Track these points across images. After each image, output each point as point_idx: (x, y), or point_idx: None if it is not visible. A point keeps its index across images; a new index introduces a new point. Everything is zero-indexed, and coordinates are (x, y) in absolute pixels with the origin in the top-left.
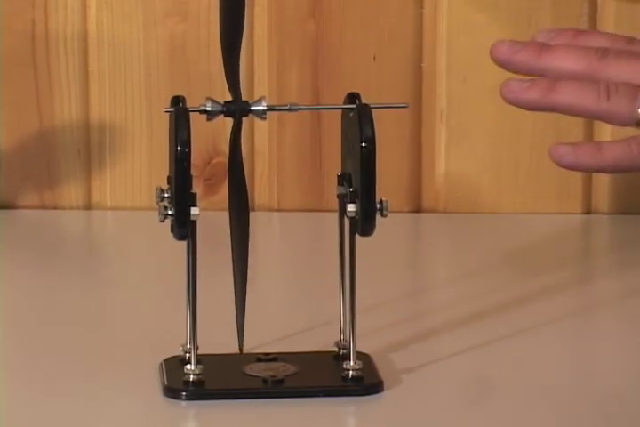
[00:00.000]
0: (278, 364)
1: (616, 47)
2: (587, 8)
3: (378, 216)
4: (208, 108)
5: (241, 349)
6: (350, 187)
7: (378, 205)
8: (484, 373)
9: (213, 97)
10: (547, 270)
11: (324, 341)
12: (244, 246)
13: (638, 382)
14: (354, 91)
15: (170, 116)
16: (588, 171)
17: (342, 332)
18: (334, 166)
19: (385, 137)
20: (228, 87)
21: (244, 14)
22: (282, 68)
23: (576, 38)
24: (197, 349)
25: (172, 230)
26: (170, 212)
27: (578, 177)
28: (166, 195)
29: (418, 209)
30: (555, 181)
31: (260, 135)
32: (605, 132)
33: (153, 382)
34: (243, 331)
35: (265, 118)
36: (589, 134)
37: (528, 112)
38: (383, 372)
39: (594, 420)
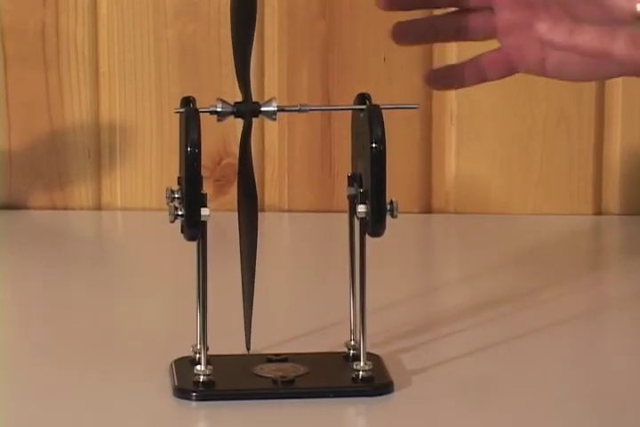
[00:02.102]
0: (288, 364)
1: None
2: None
3: (388, 217)
4: (218, 109)
5: (248, 348)
6: (360, 187)
7: (388, 206)
8: (494, 373)
9: (224, 98)
10: (557, 271)
11: (333, 341)
12: (252, 246)
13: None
14: (364, 91)
15: (180, 117)
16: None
17: (352, 332)
18: (344, 167)
19: (395, 138)
20: (240, 88)
21: (255, 16)
22: (292, 68)
23: None
24: (207, 349)
25: (182, 231)
26: (180, 212)
27: (588, 178)
28: (177, 195)
29: (428, 210)
30: (565, 183)
31: (271, 136)
32: (615, 131)
33: (163, 382)
34: (250, 330)
35: (275, 119)
36: (599, 134)
37: (539, 113)
38: (393, 372)
39: (603, 419)
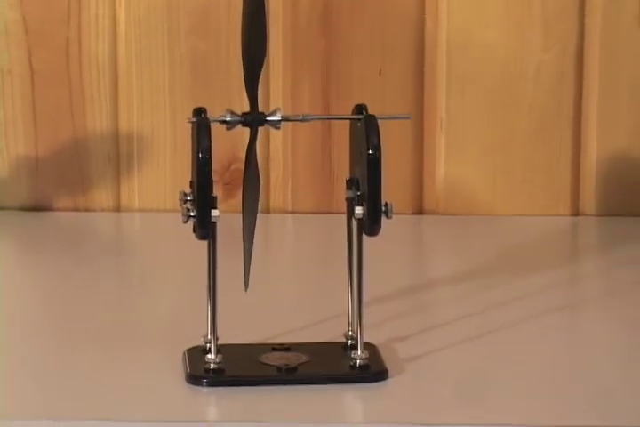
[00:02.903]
0: (291, 353)
1: None
2: (575, 33)
3: (383, 218)
4: (227, 119)
5: (246, 288)
6: (358, 191)
7: (383, 208)
8: (482, 361)
9: (232, 108)
10: (538, 268)
11: (333, 332)
12: (252, 214)
13: (620, 372)
14: (361, 103)
15: (192, 126)
16: None
17: (350, 324)
18: (343, 172)
19: (390, 145)
20: (249, 98)
21: (266, 34)
22: (295, 81)
23: None
24: (217, 339)
25: (194, 231)
26: (192, 213)
27: (566, 182)
28: (189, 198)
29: (419, 211)
30: (545, 186)
31: (275, 143)
32: (592, 139)
33: (177, 370)
34: (249, 271)
35: (279, 128)
36: (577, 142)
37: (522, 123)
38: (388, 361)
39: (591, 405)
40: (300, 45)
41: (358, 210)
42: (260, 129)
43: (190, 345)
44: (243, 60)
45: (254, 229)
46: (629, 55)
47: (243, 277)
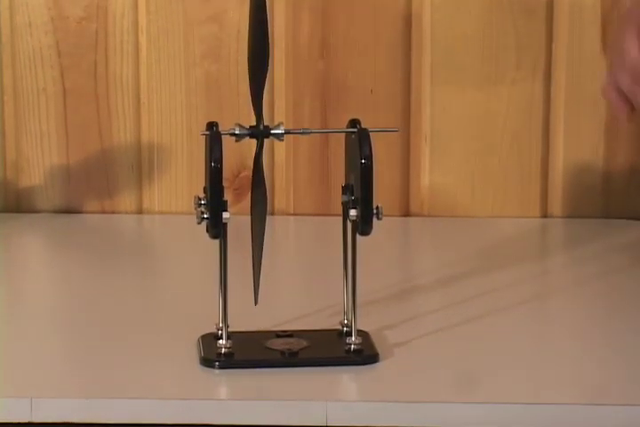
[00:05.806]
0: (293, 339)
1: None
2: (543, 63)
3: (374, 219)
4: (236, 132)
5: (256, 303)
6: (352, 195)
7: (374, 211)
8: (463, 346)
9: (241, 123)
10: (510, 264)
11: (330, 320)
12: (261, 223)
13: (579, 349)
14: (355, 117)
15: (206, 139)
16: None
17: (345, 313)
18: (339, 179)
19: (380, 155)
20: (255, 114)
21: (268, 59)
22: (297, 98)
23: None
24: (228, 327)
25: (207, 231)
26: (205, 216)
27: (536, 188)
28: (203, 202)
29: (407, 214)
30: (517, 191)
31: (279, 153)
32: (558, 150)
33: (192, 353)
34: (258, 287)
35: (283, 140)
36: (545, 153)
37: (496, 135)
38: (379, 346)
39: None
40: (300, 67)
41: (352, 212)
42: (266, 141)
43: (204, 332)
44: (249, 80)
45: (263, 237)
46: (592, 77)
47: (251, 270)
